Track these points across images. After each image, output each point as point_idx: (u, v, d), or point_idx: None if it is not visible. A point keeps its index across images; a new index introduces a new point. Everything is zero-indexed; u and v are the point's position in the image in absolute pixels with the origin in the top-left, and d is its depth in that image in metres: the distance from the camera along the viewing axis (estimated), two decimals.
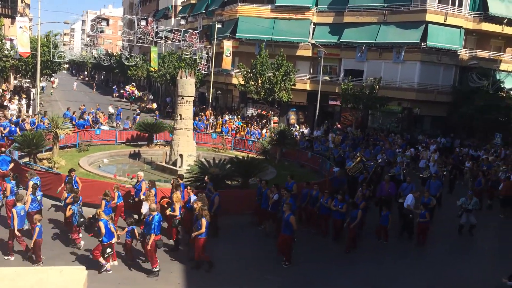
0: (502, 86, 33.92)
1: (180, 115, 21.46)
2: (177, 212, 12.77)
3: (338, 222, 14.20)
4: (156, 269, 11.14)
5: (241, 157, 20.28)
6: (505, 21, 35.77)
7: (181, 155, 21.06)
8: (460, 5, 34.89)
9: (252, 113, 40.82)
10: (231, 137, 29.75)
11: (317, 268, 12.58)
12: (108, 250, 10.90)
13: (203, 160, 19.80)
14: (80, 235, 12.34)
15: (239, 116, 38.42)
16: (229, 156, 22.93)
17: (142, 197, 13.82)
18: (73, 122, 27.42)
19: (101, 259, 10.94)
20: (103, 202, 12.83)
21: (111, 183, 15.86)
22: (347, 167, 19.68)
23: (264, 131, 31.71)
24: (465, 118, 33.09)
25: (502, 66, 36.07)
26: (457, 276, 12.72)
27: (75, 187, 13.83)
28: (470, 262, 13.95)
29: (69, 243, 12.43)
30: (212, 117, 37.74)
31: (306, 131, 34.90)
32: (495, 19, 35.49)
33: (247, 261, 12.62)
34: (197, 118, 34.77)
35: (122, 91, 62.06)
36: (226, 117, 37.76)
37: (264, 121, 37.45)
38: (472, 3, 35.71)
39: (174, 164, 21.22)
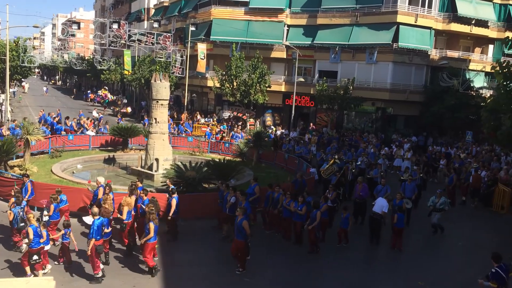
0: (471, 85, 34.80)
1: (155, 118, 21.24)
2: (124, 216, 12.53)
3: (298, 224, 13.93)
4: (98, 275, 10.87)
5: (217, 160, 20.21)
6: (473, 22, 36.70)
7: (157, 159, 20.85)
8: (429, 6, 35.63)
9: (229, 116, 40.74)
10: (214, 140, 29.52)
11: (295, 271, 12.62)
12: (35, 257, 10.51)
13: (179, 163, 19.65)
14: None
15: (214, 119, 38.30)
16: (206, 159, 22.82)
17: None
18: (53, 127, 26.98)
19: (27, 268, 10.56)
20: (52, 206, 12.59)
21: (78, 188, 15.60)
22: (321, 169, 19.57)
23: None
24: (436, 117, 33.80)
25: (471, 66, 36.98)
26: (434, 275, 12.95)
27: (22, 193, 13.58)
28: (446, 259, 14.19)
29: (12, 247, 12.23)
30: (188, 120, 37.50)
31: (283, 131, 35.03)
32: (464, 20, 36.37)
33: (224, 264, 12.53)
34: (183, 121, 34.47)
35: (90, 94, 61.41)
36: (202, 120, 37.62)
37: (240, 123, 37.42)
38: (441, 4, 36.51)
39: (150, 168, 21.00)
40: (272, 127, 37.86)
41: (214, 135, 31.94)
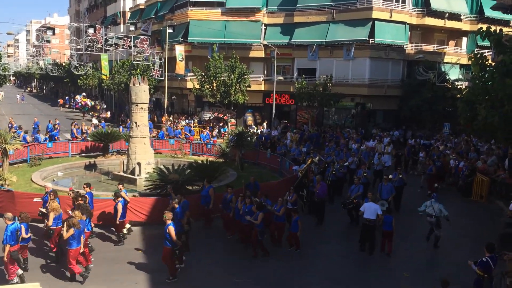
0: (447, 77, 35.42)
1: (136, 122, 21.10)
2: (50, 222, 12.21)
3: (246, 226, 13.45)
4: (13, 282, 10.63)
5: (200, 162, 20.18)
6: (446, 15, 37.36)
7: (139, 163, 20.71)
8: (403, 1, 36.12)
9: (209, 117, 40.67)
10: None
11: (282, 270, 12.72)
12: None
13: (162, 167, 19.56)
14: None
15: (195, 121, 38.14)
16: (188, 161, 22.75)
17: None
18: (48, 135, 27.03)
19: None
20: None
21: (61, 196, 15.35)
22: (299, 170, 19.08)
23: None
24: (414, 110, 34.33)
25: (446, 59, 37.64)
26: (418, 266, 13.18)
27: None
28: (430, 249, 14.43)
29: None
30: (168, 122, 37.34)
31: (264, 131, 35.11)
32: (437, 14, 37.01)
33: (212, 265, 12.57)
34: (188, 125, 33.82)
35: (59, 100, 61.03)
36: (183, 122, 37.45)
37: (221, 124, 37.38)
38: None
39: (132, 172, 20.85)
40: (254, 126, 37.92)
41: (211, 138, 31.22)
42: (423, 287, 11.70)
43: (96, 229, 14.35)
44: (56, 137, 27.78)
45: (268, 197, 14.58)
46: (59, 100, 61.86)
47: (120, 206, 13.64)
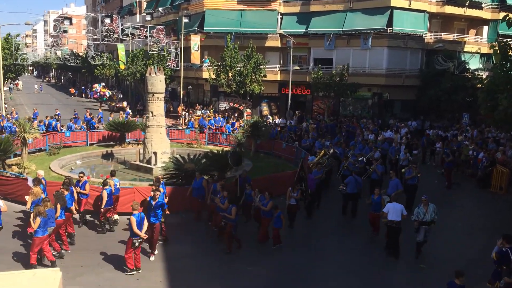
0: (467, 67, 34.76)
1: (152, 112, 21.18)
2: (28, 206, 12.35)
3: (220, 217, 13.11)
4: None
5: (216, 151, 20.20)
6: (467, 4, 36.55)
7: (155, 153, 20.83)
8: None
9: (225, 107, 40.68)
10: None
11: (294, 258, 12.70)
12: None
13: (177, 156, 19.64)
14: None
15: (211, 111, 38.15)
16: (204, 151, 22.81)
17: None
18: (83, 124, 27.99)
19: None
20: None
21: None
22: (310, 162, 18.56)
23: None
24: (433, 100, 33.81)
25: (466, 48, 36.92)
26: (434, 258, 13.02)
27: None
28: (446, 241, 14.22)
29: None
30: (184, 112, 37.45)
31: (280, 120, 34.96)
32: (458, 2, 36.24)
33: (224, 255, 12.55)
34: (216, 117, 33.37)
35: (70, 89, 61.76)
36: (198, 112, 37.52)
37: (237, 114, 37.35)
38: None
39: (149, 162, 21.00)
40: (269, 116, 37.78)
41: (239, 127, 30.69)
42: (439, 279, 11.55)
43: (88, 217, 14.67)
44: (93, 126, 28.32)
45: (261, 192, 14.02)
46: (70, 89, 62.56)
47: (105, 194, 13.64)
